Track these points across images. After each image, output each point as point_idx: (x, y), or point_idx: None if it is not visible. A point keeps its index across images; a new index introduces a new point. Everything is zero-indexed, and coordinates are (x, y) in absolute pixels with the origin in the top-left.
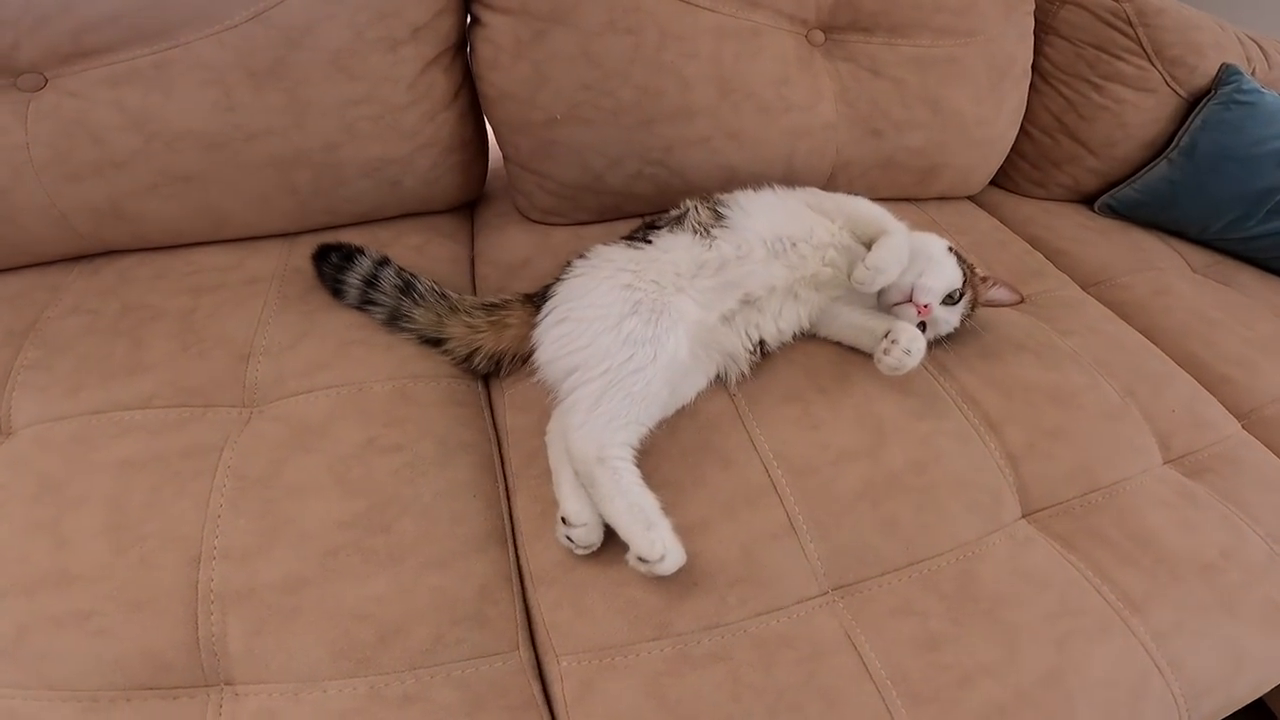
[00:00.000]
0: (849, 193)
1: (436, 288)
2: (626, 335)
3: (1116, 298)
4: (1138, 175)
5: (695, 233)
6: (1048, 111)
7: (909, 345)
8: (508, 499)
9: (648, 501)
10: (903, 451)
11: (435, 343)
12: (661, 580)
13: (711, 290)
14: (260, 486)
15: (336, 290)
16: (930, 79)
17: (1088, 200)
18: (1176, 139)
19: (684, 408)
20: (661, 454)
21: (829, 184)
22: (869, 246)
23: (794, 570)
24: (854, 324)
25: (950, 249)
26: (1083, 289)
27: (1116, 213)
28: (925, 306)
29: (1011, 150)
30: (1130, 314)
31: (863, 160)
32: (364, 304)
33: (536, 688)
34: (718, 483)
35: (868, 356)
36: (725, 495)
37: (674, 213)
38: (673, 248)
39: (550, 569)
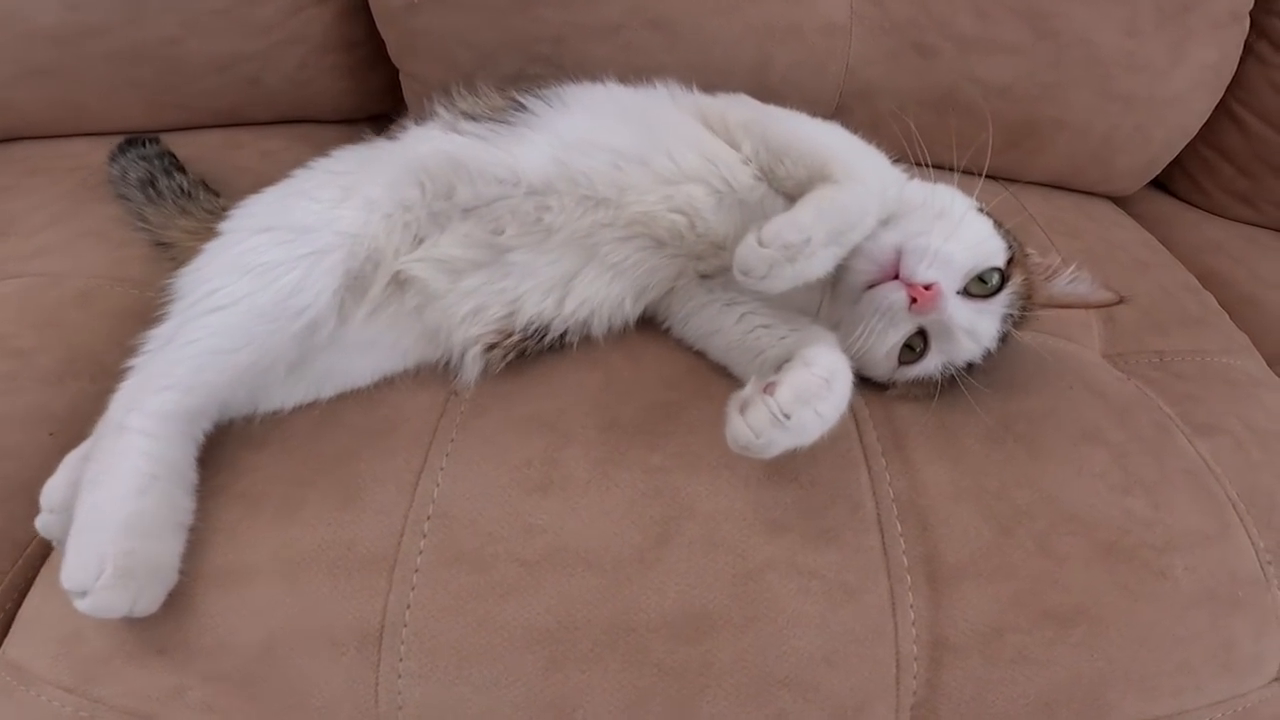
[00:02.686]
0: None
1: (184, 186)
2: (234, 259)
3: None
4: None
5: (447, 126)
6: (1277, 92)
7: (796, 404)
8: None
9: (158, 510)
10: (700, 590)
11: (166, 247)
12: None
13: (432, 221)
14: None
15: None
16: None
17: None
18: None
19: (361, 391)
20: (277, 450)
21: (836, 120)
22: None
23: (334, 708)
24: (741, 334)
25: (985, 211)
26: (1270, 365)
27: None
28: (928, 289)
29: (1205, 140)
30: None
31: (897, 89)
32: (118, 197)
33: None
34: (318, 523)
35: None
36: (313, 546)
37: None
38: (405, 147)
39: None
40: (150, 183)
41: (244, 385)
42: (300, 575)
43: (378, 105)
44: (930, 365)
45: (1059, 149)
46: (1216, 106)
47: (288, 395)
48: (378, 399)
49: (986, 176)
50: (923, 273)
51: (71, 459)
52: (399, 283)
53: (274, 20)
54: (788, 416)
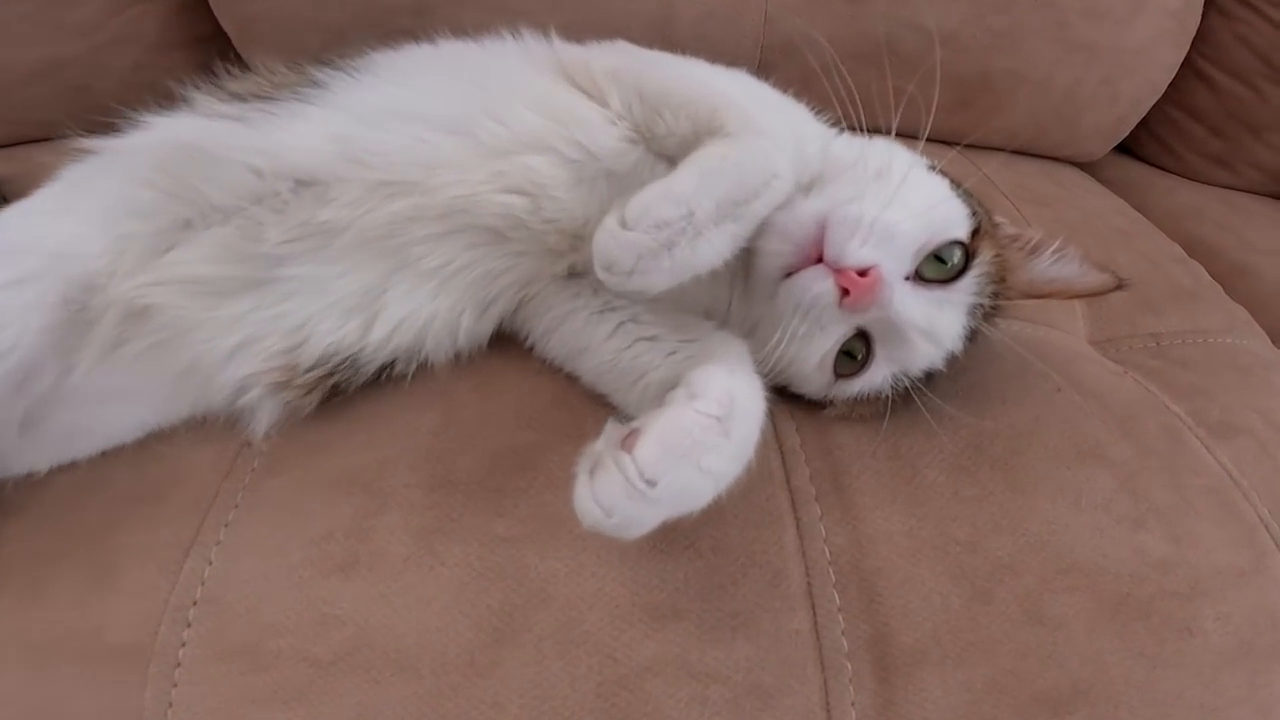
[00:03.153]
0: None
1: None
2: None
3: None
4: None
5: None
6: (1246, 46)
7: (665, 463)
8: None
9: None
10: (554, 704)
11: None
12: None
13: (176, 231)
14: None
15: None
16: None
17: None
18: None
19: (130, 448)
20: (29, 519)
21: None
22: None
23: None
24: (616, 351)
25: (937, 172)
26: (1275, 341)
27: None
28: (863, 275)
29: (1174, 101)
30: None
31: (825, 41)
32: None
33: None
34: (65, 605)
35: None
36: (59, 631)
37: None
38: (134, 140)
39: None
40: None
41: None
42: (47, 664)
43: None
44: (876, 377)
45: (1018, 107)
46: (1182, 65)
47: (33, 458)
48: (151, 457)
49: (940, 142)
50: (855, 252)
51: None
52: (137, 313)
53: (93, 21)
54: (652, 483)
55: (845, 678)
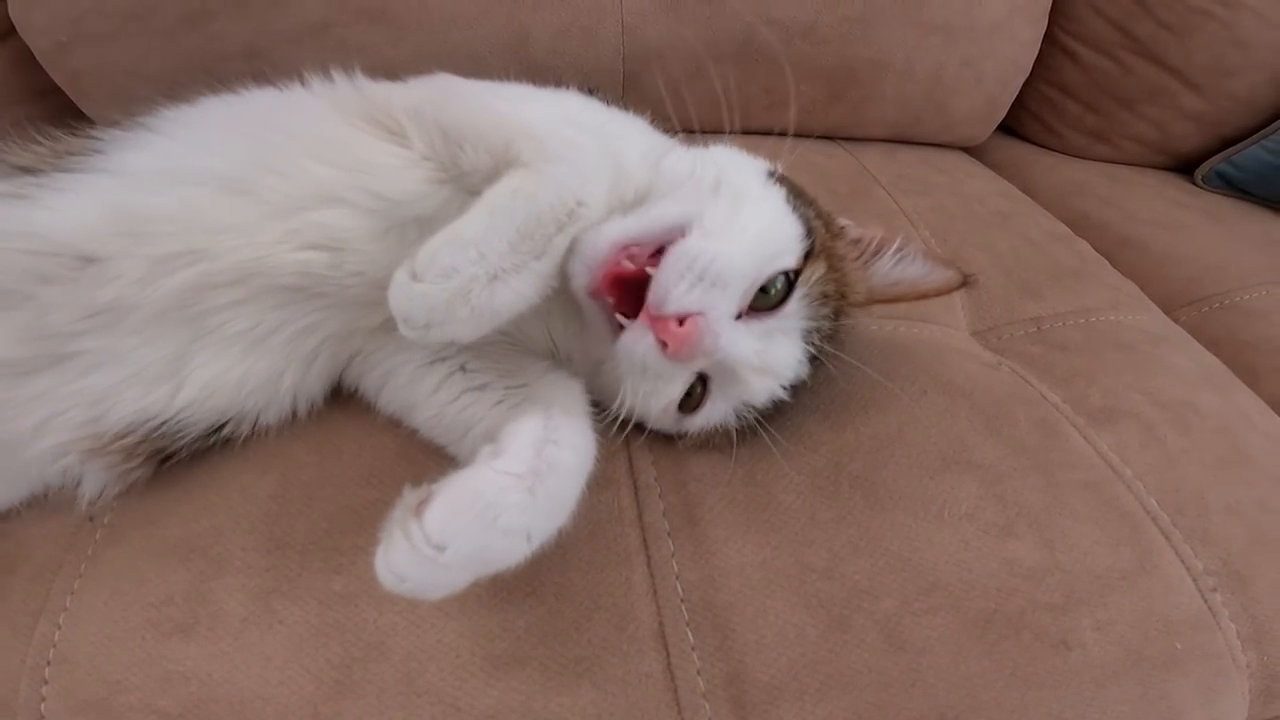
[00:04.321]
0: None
1: None
2: None
3: (1232, 330)
4: (1272, 127)
5: None
6: (1101, 17)
7: (456, 528)
8: None
9: None
10: None
11: None
12: None
13: None
14: None
15: None
16: None
17: (1185, 166)
18: None
19: None
20: None
21: (631, 96)
22: None
23: None
24: (442, 404)
25: (776, 177)
26: (1165, 311)
27: (1235, 185)
28: (682, 324)
29: (1045, 79)
30: (1260, 364)
31: (686, 45)
32: None
33: None
34: None
35: None
36: None
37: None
38: None
39: None
40: None
41: None
42: None
43: None
44: (715, 414)
45: (887, 96)
46: (1047, 41)
47: None
48: None
49: (824, 137)
50: (678, 299)
51: None
52: None
53: None
54: (440, 549)
55: (703, 718)
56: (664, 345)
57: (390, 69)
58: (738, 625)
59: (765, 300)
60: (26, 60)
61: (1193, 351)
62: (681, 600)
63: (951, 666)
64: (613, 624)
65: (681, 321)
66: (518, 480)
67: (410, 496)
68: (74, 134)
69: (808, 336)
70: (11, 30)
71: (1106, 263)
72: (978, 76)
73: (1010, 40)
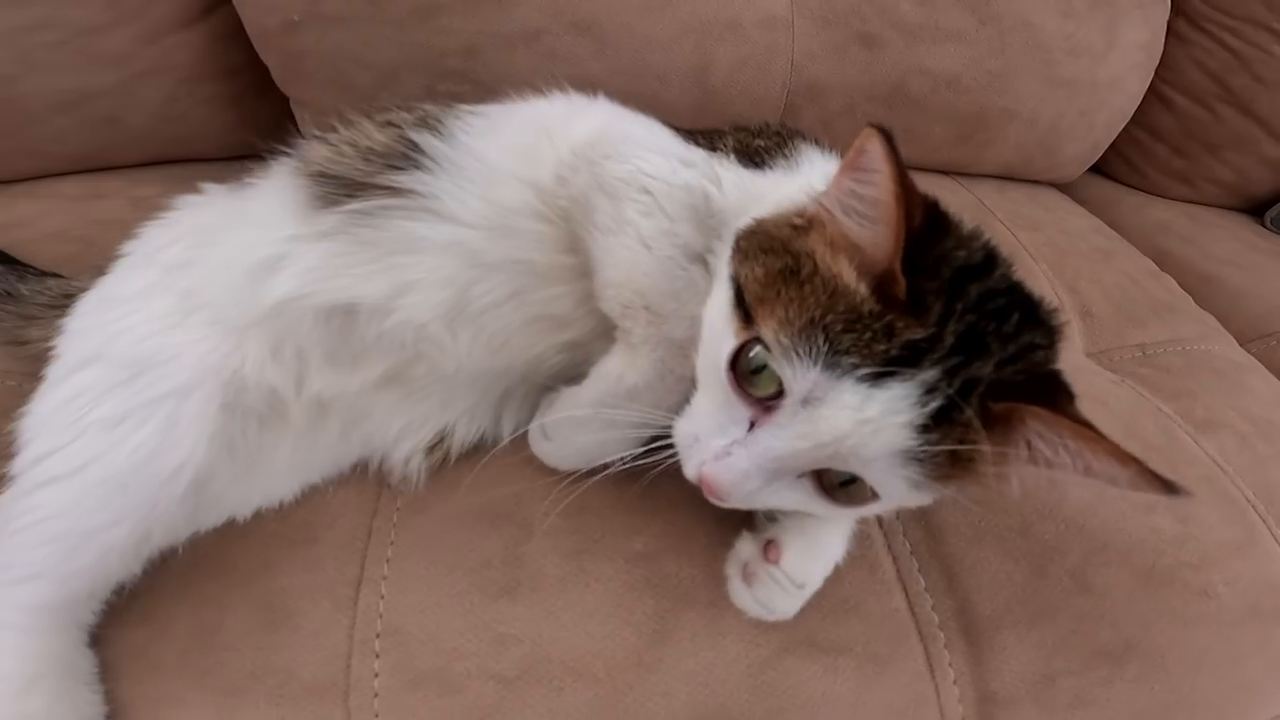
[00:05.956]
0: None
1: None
2: (61, 404)
3: None
4: None
5: (309, 171)
6: (1200, 69)
7: (806, 568)
8: None
9: (51, 711)
10: (714, 687)
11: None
12: None
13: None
14: None
15: None
16: None
17: (1257, 209)
18: None
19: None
20: (176, 565)
21: (788, 122)
22: None
23: None
24: None
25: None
26: (1241, 344)
27: None
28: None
29: (1138, 123)
30: None
31: (846, 85)
32: None
33: None
34: (243, 646)
35: None
36: (243, 673)
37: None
38: (250, 212)
39: None
40: None
41: (134, 555)
42: (238, 707)
43: (269, 137)
44: None
45: (1009, 139)
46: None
47: (199, 525)
48: (295, 500)
49: (941, 172)
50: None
51: None
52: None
53: (127, 51)
54: (802, 586)
55: (940, 644)
56: None
57: (589, 80)
58: (958, 572)
59: None
60: (222, 38)
61: (1267, 378)
62: (910, 554)
63: (1126, 605)
64: (865, 572)
65: None
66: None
67: (751, 544)
68: (379, 124)
69: None
70: (213, 8)
71: (1190, 298)
72: (1090, 125)
73: (1123, 93)
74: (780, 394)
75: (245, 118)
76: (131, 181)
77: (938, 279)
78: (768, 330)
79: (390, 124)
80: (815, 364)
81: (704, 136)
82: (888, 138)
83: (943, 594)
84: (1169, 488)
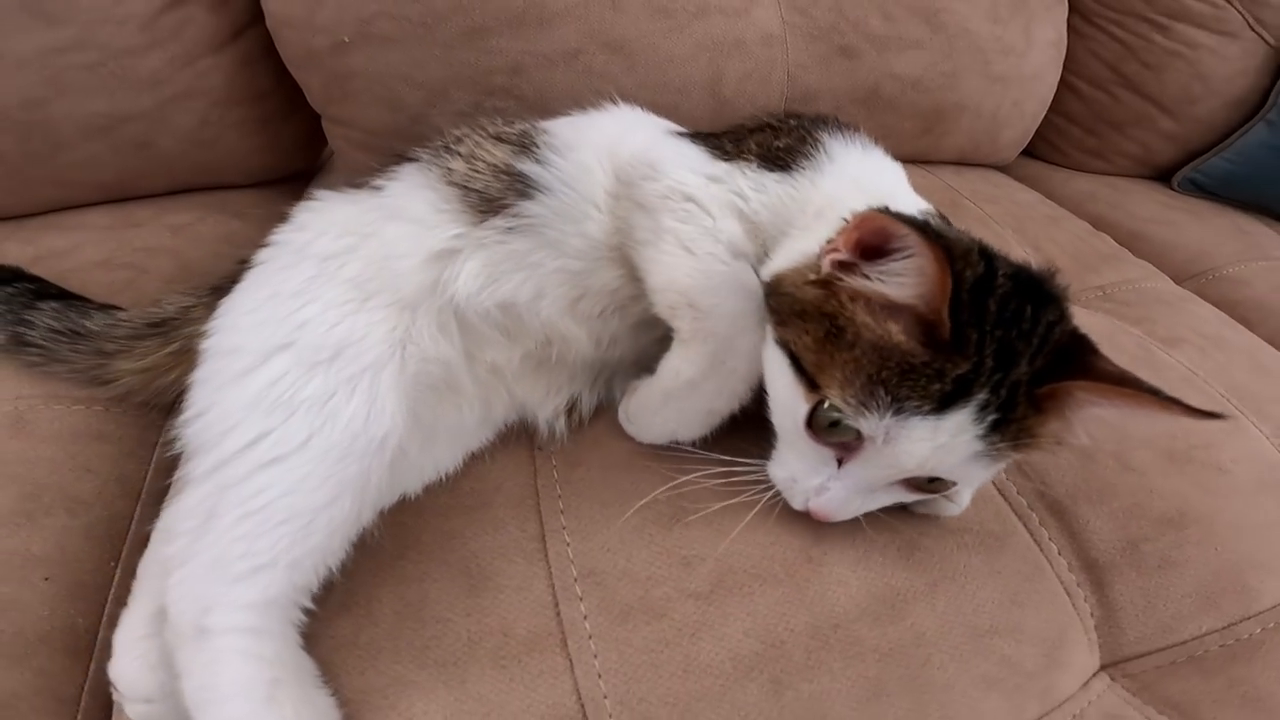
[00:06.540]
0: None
1: (68, 325)
2: (261, 393)
3: (1226, 294)
4: (1228, 141)
5: (452, 181)
6: (1097, 59)
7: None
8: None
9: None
10: (877, 571)
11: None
12: None
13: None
14: None
15: None
16: None
17: (1163, 175)
18: (1274, 95)
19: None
20: (357, 550)
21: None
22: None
23: None
24: None
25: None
26: (1176, 281)
27: (1203, 189)
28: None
29: (1055, 110)
30: (1251, 316)
31: (832, 90)
32: None
33: None
34: (454, 616)
35: None
36: (462, 642)
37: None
38: (404, 210)
39: None
40: (19, 341)
41: (348, 535)
42: (466, 676)
43: (293, 162)
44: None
45: (962, 129)
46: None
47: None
48: (455, 471)
49: (913, 162)
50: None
51: (126, 637)
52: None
53: (162, 74)
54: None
55: (1035, 521)
56: None
57: (621, 94)
58: (1022, 461)
59: None
60: (251, 61)
61: (1206, 305)
62: None
63: (1164, 480)
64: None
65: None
66: None
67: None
68: (494, 137)
69: None
70: (241, 31)
71: (1127, 250)
72: (1021, 113)
73: (1043, 84)
74: (859, 435)
75: (270, 142)
76: (161, 209)
77: (965, 308)
78: (833, 393)
79: (500, 139)
80: (885, 413)
81: (730, 140)
82: (891, 212)
83: (1020, 478)
84: (1211, 415)
